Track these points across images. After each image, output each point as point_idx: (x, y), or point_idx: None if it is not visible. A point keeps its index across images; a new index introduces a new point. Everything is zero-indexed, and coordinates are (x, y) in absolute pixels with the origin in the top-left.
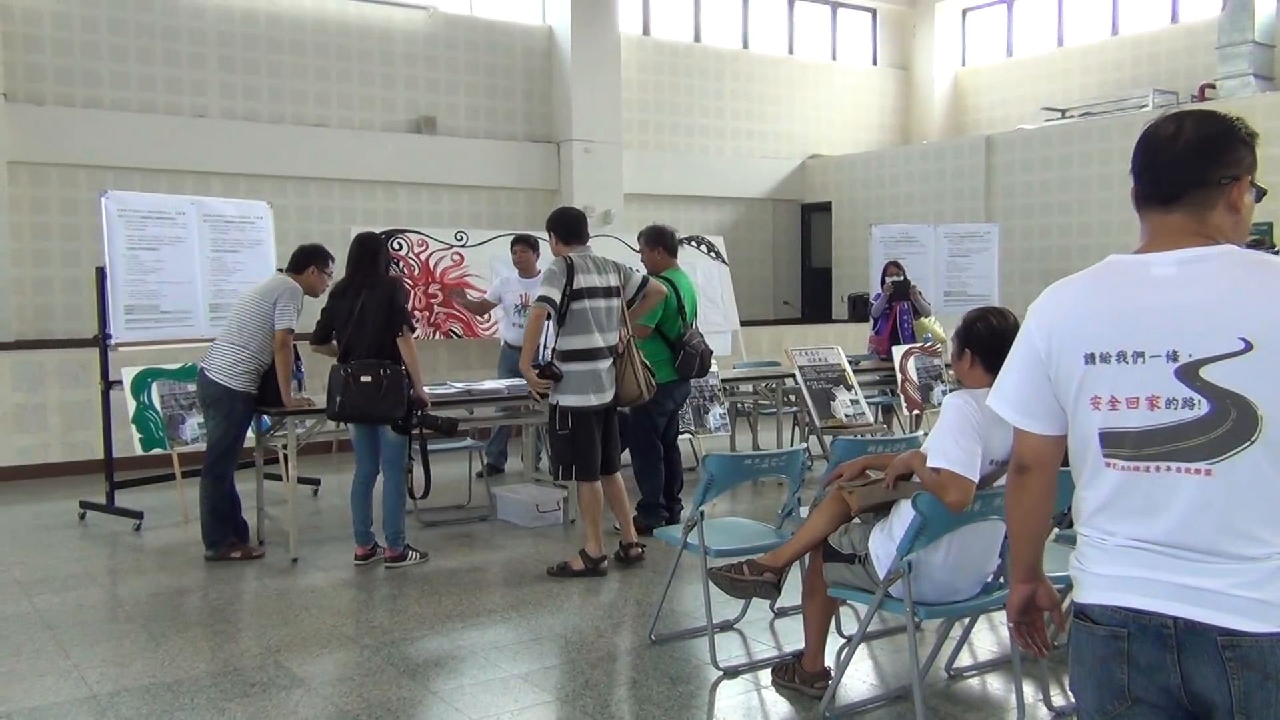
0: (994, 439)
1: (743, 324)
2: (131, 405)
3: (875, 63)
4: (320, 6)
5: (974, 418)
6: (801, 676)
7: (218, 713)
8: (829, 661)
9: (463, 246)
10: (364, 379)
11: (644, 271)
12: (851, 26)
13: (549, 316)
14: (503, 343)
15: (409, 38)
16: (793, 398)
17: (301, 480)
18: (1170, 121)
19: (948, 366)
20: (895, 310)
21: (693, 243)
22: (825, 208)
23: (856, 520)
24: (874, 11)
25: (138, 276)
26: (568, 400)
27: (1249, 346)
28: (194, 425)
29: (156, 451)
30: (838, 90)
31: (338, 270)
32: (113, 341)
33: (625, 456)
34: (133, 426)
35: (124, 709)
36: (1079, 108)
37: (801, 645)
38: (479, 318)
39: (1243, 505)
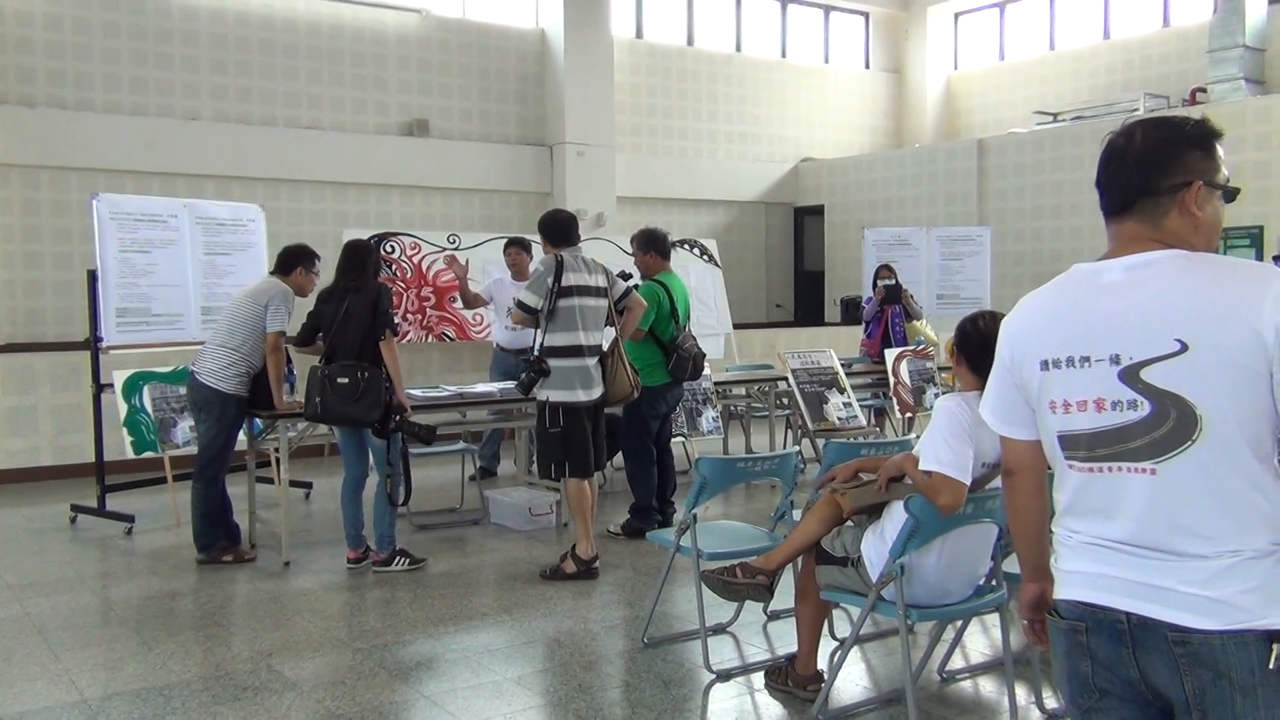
0: (985, 441)
1: (735, 327)
2: (123, 408)
3: (868, 66)
4: (313, 9)
5: (965, 420)
6: (794, 679)
7: (209, 717)
8: (822, 664)
9: (455, 249)
10: (341, 381)
11: (635, 277)
12: (844, 30)
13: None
14: (495, 345)
15: (402, 40)
16: (785, 400)
17: (293, 483)
18: (1122, 134)
19: (940, 369)
20: (887, 314)
21: (685, 245)
22: (818, 211)
23: (849, 523)
24: (866, 15)
25: (129, 279)
26: (557, 396)
27: (1184, 347)
28: (185, 428)
29: (148, 455)
30: (830, 93)
31: (327, 275)
32: (104, 344)
33: (619, 460)
34: (124, 430)
35: (115, 713)
36: (1070, 111)
37: (794, 648)
38: (471, 320)
39: (1189, 503)
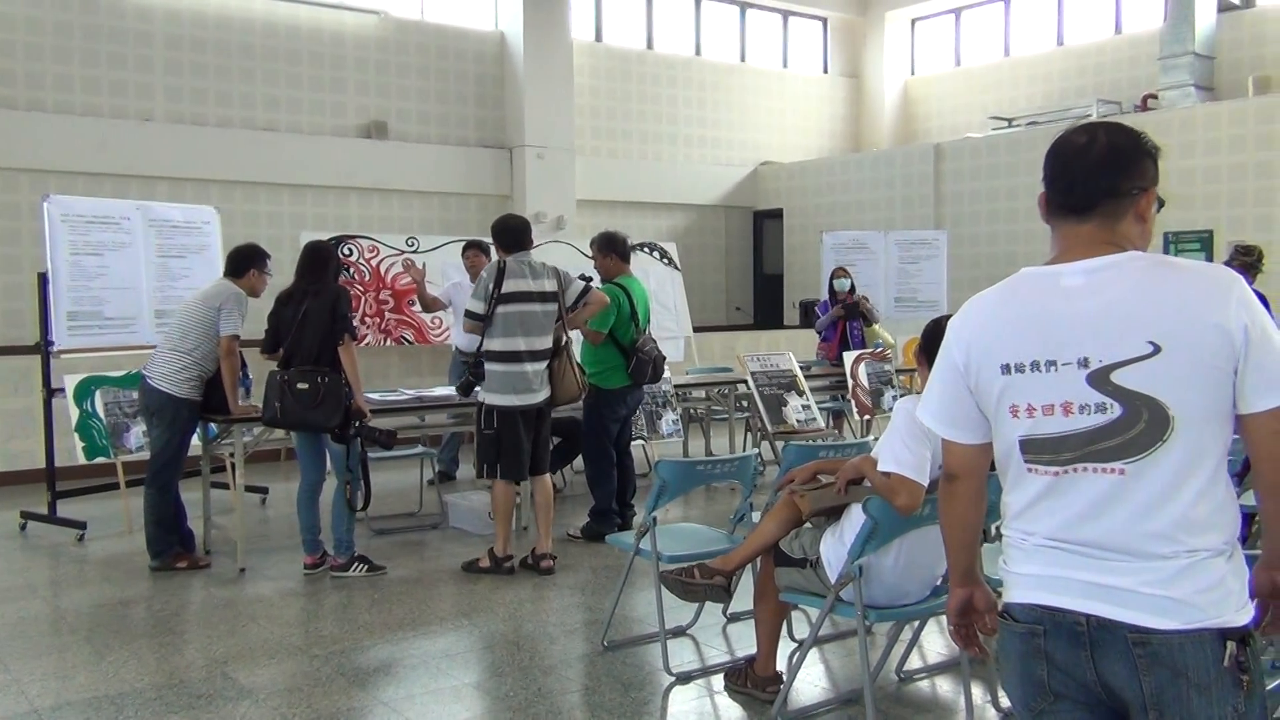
0: (927, 450)
1: (695, 330)
2: (74, 413)
3: (826, 71)
4: (270, 10)
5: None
6: (754, 681)
7: None
8: (781, 665)
9: (414, 252)
10: (300, 386)
11: (594, 279)
12: (803, 35)
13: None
14: (454, 349)
15: (360, 42)
16: (745, 403)
17: (249, 489)
18: (1082, 132)
19: (898, 372)
20: (844, 323)
21: (645, 249)
22: (777, 214)
23: (807, 525)
24: (825, 20)
25: (81, 282)
26: (492, 399)
27: (1157, 349)
28: (138, 434)
29: (100, 460)
30: (789, 98)
31: (286, 278)
32: (55, 348)
33: (578, 463)
34: (75, 435)
35: None
36: (1025, 117)
37: (754, 650)
38: (430, 324)
39: (1155, 504)
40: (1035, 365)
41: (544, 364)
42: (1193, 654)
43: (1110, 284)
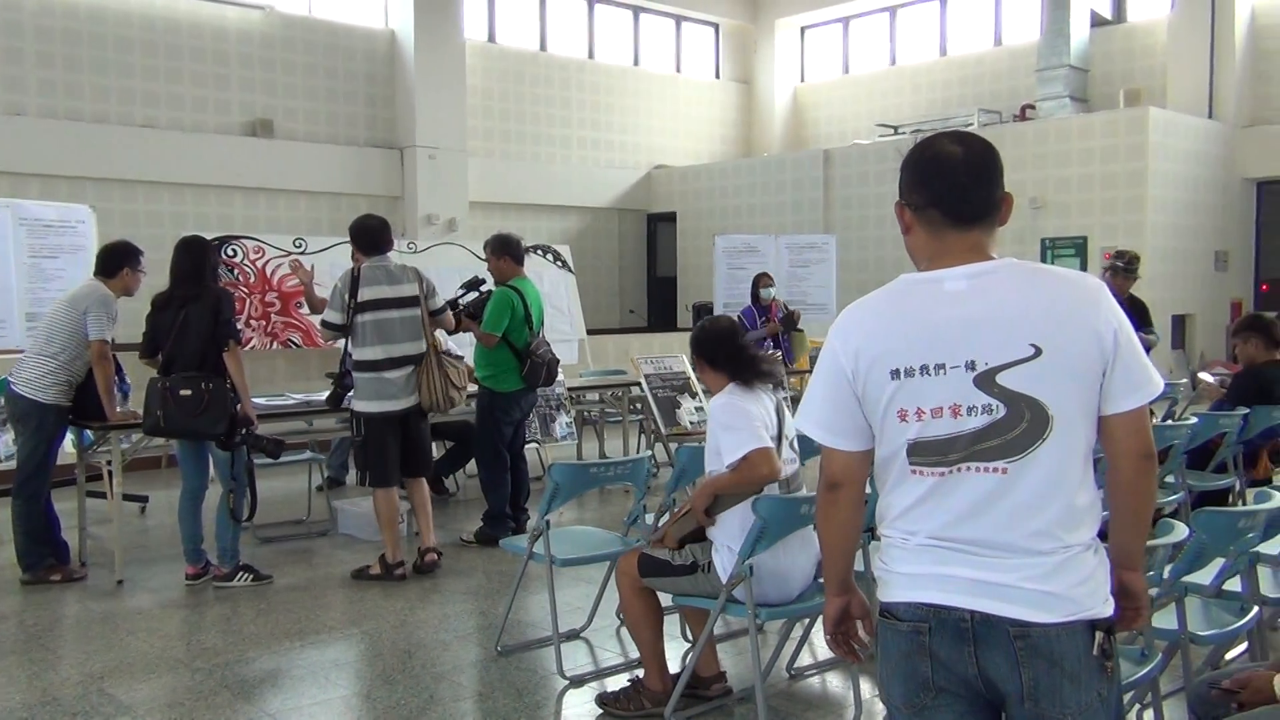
0: (757, 420)
1: (589, 332)
2: None
3: (718, 76)
4: (148, 2)
5: (738, 403)
6: (650, 698)
7: None
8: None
9: (301, 254)
10: (183, 393)
11: (489, 283)
12: (695, 40)
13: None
14: (343, 353)
15: (244, 37)
16: (638, 405)
17: (127, 497)
18: (951, 142)
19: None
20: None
21: (539, 251)
22: (670, 218)
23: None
24: (717, 26)
25: None
26: (359, 405)
27: (1038, 352)
28: (7, 442)
29: None
30: (682, 102)
31: (164, 279)
32: None
33: (471, 466)
34: None
35: None
36: (910, 124)
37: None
38: (318, 327)
39: (1035, 502)
40: (925, 369)
41: (409, 369)
42: (1067, 644)
43: (992, 289)
